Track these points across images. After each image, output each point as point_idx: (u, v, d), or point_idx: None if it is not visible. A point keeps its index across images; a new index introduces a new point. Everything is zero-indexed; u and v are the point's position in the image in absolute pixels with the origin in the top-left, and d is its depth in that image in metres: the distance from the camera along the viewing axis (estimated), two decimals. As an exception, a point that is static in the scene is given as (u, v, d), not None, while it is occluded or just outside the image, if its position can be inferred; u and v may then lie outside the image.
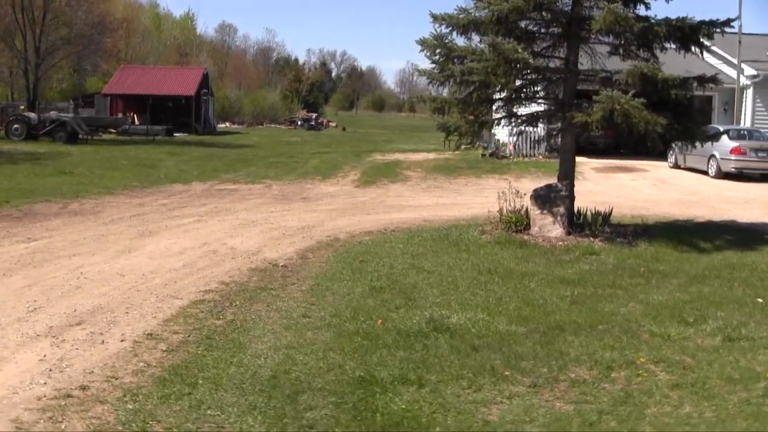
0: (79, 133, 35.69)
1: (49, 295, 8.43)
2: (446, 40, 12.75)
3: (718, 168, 24.53)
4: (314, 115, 70.44)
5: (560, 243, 12.27)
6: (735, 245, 12.57)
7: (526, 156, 29.58)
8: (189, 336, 6.99)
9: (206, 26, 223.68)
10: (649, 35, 12.35)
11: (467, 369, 6.17)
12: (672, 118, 12.19)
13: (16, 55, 42.81)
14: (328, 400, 5.45)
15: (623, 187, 22.57)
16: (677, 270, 10.52)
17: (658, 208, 17.85)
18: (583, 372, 6.26)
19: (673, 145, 27.10)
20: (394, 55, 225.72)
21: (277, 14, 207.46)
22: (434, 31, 12.77)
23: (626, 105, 11.40)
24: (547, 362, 6.44)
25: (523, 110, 14.40)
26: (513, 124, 14.17)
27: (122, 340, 6.86)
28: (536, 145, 29.80)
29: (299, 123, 63.64)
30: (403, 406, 5.34)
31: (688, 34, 12.60)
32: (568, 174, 13.38)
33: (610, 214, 13.46)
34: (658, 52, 13.00)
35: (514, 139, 30.02)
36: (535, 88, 13.78)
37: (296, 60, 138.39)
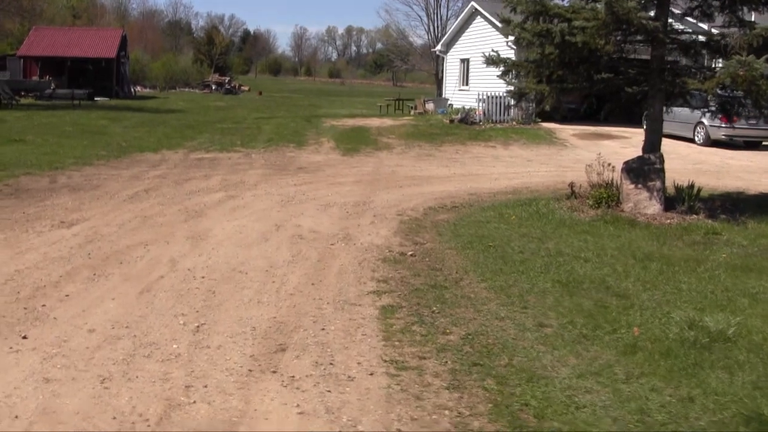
0: (3, 98, 32.53)
1: (191, 305, 6.65)
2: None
3: (707, 135, 23.75)
4: (227, 79, 67.34)
5: (668, 221, 11.18)
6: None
7: (497, 122, 28.31)
8: (445, 362, 5.41)
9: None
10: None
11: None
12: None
13: None
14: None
15: (618, 155, 21.48)
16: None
17: (692, 178, 16.91)
18: None
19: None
20: (281, 18, 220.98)
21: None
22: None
23: (755, 72, 10.27)
24: None
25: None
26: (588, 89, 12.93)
27: (371, 374, 5.21)
28: (506, 111, 28.62)
29: (213, 87, 60.66)
30: None
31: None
32: (655, 145, 12.24)
33: (693, 187, 12.34)
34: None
35: (483, 104, 28.82)
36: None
37: (188, 24, 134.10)
